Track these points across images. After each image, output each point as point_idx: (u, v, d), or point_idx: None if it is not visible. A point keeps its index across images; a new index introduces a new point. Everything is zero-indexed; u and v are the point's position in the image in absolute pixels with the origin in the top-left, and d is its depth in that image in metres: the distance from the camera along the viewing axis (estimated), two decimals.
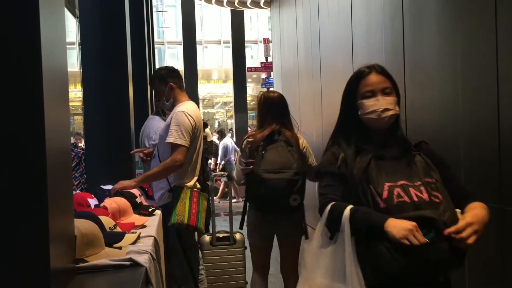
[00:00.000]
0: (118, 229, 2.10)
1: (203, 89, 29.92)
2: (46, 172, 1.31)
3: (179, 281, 3.34)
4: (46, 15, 1.36)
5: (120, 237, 1.97)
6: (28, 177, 1.31)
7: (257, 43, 27.90)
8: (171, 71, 3.41)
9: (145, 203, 3.05)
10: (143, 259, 1.76)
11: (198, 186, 3.34)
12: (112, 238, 1.93)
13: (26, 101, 1.31)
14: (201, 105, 31.80)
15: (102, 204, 2.44)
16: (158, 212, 3.01)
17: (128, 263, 1.69)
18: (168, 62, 30.03)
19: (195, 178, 3.32)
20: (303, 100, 8.13)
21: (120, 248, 1.92)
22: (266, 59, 12.69)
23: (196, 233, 3.70)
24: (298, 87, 8.40)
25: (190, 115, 3.17)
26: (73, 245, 1.61)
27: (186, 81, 12.38)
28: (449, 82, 3.66)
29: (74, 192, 3.16)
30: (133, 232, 2.14)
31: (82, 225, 1.68)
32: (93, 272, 1.64)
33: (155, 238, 2.24)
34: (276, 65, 10.58)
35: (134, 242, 2.06)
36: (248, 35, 19.44)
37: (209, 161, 9.39)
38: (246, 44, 13.79)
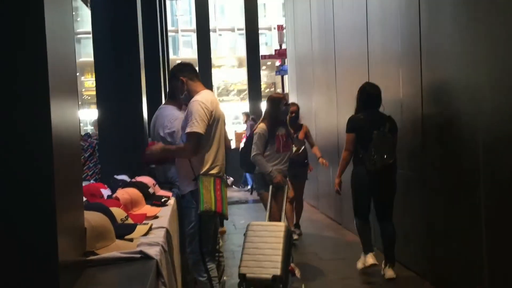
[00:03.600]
0: (130, 221, 2.09)
1: (218, 77, 29.89)
2: (53, 164, 1.29)
3: (191, 268, 3.34)
4: (51, 4, 1.33)
5: (132, 229, 1.95)
6: (34, 170, 1.28)
7: (271, 30, 27.69)
8: (181, 66, 3.55)
9: (158, 193, 3.04)
10: (154, 251, 1.74)
11: (223, 173, 3.40)
12: (124, 230, 1.92)
13: (30, 90, 1.28)
14: (215, 93, 31.85)
15: (114, 195, 2.43)
16: (171, 202, 2.99)
17: (138, 255, 1.67)
18: (182, 51, 30.03)
19: (219, 166, 3.33)
20: (317, 87, 8.04)
21: (131, 240, 1.90)
22: (280, 46, 12.57)
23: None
24: (313, 73, 8.30)
25: (203, 103, 3.22)
26: (83, 238, 1.59)
27: (200, 70, 12.34)
28: (467, 69, 3.56)
29: (88, 182, 3.17)
30: (144, 224, 2.12)
31: (92, 217, 1.67)
32: (104, 265, 1.62)
33: (167, 229, 2.22)
34: (290, 52, 10.47)
35: (146, 234, 2.04)
36: (262, 22, 19.29)
37: None
38: (260, 32, 13.67)
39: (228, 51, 31.07)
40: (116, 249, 1.68)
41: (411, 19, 4.41)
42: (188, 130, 3.16)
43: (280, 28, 12.89)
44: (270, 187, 4.60)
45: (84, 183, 3.05)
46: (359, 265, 4.63)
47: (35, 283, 1.29)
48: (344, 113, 6.45)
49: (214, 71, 26.36)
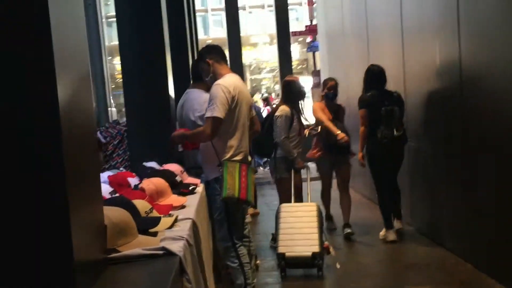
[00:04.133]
0: (155, 213, 2.03)
1: (249, 56, 29.66)
2: (63, 157, 1.22)
3: (222, 254, 3.31)
4: None
5: (156, 222, 1.90)
6: (44, 164, 1.22)
7: (301, 5, 27.15)
8: (208, 48, 3.50)
9: (186, 180, 2.99)
10: (177, 247, 1.68)
11: (250, 159, 3.36)
12: (148, 224, 1.87)
13: (36, 76, 1.20)
14: (247, 71, 31.65)
15: (140, 185, 2.39)
16: (199, 190, 2.94)
17: (161, 252, 1.61)
18: (212, 30, 29.90)
19: (244, 152, 3.28)
20: (349, 63, 7.80)
21: (155, 234, 1.85)
22: (311, 21, 12.28)
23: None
24: (344, 49, 8.06)
25: (225, 86, 3.17)
26: (103, 234, 1.54)
27: (229, 49, 12.21)
28: (510, 39, 3.33)
29: (117, 171, 3.15)
30: (170, 215, 2.07)
31: (112, 213, 1.61)
32: (126, 262, 1.57)
33: (193, 220, 2.16)
34: (321, 27, 10.21)
35: (171, 226, 1.99)
36: None
37: None
38: (290, 7, 13.39)
39: (258, 29, 30.73)
40: (138, 245, 1.63)
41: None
42: (207, 114, 3.14)
43: (310, 3, 12.57)
44: (293, 171, 4.67)
45: (113, 172, 3.04)
46: (381, 235, 4.97)
47: (51, 283, 1.25)
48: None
49: (245, 50, 26.15)
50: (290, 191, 4.60)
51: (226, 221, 3.25)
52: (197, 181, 3.06)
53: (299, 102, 4.83)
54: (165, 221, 1.98)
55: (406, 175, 5.36)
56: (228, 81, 3.23)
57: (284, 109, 4.71)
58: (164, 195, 2.39)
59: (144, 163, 3.36)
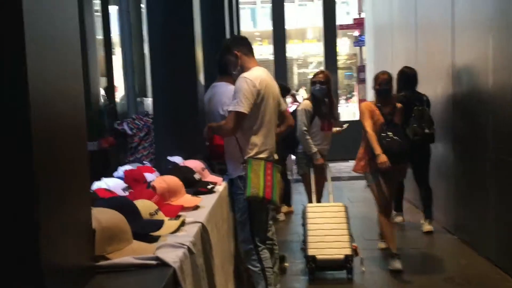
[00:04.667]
0: (160, 215, 1.89)
1: (296, 50, 29.27)
2: (32, 150, 1.08)
3: (244, 257, 3.15)
4: None
5: (158, 226, 1.75)
6: (9, 155, 1.09)
7: None
8: (236, 39, 3.39)
9: (206, 178, 2.84)
10: (174, 256, 1.52)
11: (276, 157, 3.19)
12: (148, 227, 1.73)
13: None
14: (295, 65, 31.23)
15: (151, 183, 2.25)
16: (219, 188, 2.79)
17: (154, 262, 1.46)
18: (260, 23, 29.73)
19: (269, 149, 3.12)
20: (396, 58, 7.44)
21: (156, 238, 1.71)
22: (359, 15, 11.87)
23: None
24: (392, 44, 7.69)
25: (250, 79, 3.02)
26: (91, 239, 1.41)
27: (274, 43, 11.99)
28: None
29: (136, 165, 3.05)
30: (177, 218, 1.92)
31: (103, 216, 1.48)
32: (115, 271, 1.43)
33: (202, 225, 2.01)
34: (368, 21, 9.83)
35: (176, 230, 1.84)
36: None
37: None
38: (341, 0, 13.00)
39: (308, 22, 30.28)
40: (130, 253, 1.49)
41: None
42: (230, 108, 3.02)
43: None
44: (313, 168, 4.60)
45: (132, 166, 2.94)
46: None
47: None
48: (425, 86, 5.90)
49: (293, 43, 25.77)
50: (310, 188, 4.58)
51: (249, 223, 3.08)
52: (218, 179, 2.91)
53: (324, 98, 4.73)
54: (170, 225, 1.84)
55: (451, 179, 5.02)
56: (254, 74, 3.06)
57: (305, 104, 4.76)
58: (176, 195, 2.24)
59: (169, 158, 3.24)
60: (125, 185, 2.39)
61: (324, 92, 4.70)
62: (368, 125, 4.14)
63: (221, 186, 2.88)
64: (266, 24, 28.08)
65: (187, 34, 3.51)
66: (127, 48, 4.61)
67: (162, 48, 3.46)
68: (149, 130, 3.62)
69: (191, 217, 2.09)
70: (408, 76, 5.00)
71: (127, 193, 2.32)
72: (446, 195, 5.19)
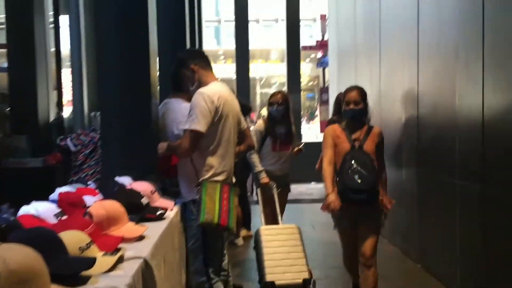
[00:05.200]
0: (93, 250, 1.59)
1: (260, 69, 29.33)
2: None
3: None
4: None
5: (88, 264, 1.45)
6: None
7: (315, 21, 26.87)
8: (192, 52, 3.23)
9: (155, 203, 2.54)
10: None
11: (233, 180, 2.97)
12: (76, 266, 1.42)
13: None
14: (257, 85, 31.28)
15: (88, 210, 1.94)
16: (170, 215, 2.50)
17: None
18: (224, 41, 29.68)
19: (227, 171, 2.87)
20: (359, 82, 7.38)
21: (85, 280, 1.41)
22: (323, 36, 11.90)
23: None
24: (355, 67, 7.64)
25: (207, 95, 2.78)
26: None
27: (237, 62, 11.83)
28: None
29: (80, 186, 2.72)
30: (114, 253, 1.62)
31: (12, 256, 1.17)
32: None
33: (144, 261, 1.72)
34: (332, 43, 9.82)
35: (111, 269, 1.54)
36: (305, 13, 18.57)
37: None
38: (304, 23, 13.03)
39: (272, 43, 30.48)
40: None
41: (474, 7, 3.71)
42: (186, 126, 2.77)
43: (323, 17, 12.20)
44: (259, 189, 4.50)
45: (73, 187, 2.61)
46: None
47: None
48: (387, 113, 5.80)
49: (256, 63, 25.77)
50: (261, 207, 4.43)
51: (202, 251, 2.80)
52: (169, 204, 2.61)
53: (281, 119, 4.63)
54: (104, 262, 1.54)
55: (415, 204, 4.89)
56: (212, 89, 2.82)
57: (258, 124, 4.78)
58: (117, 223, 1.94)
59: (116, 178, 2.93)
60: (58, 210, 2.07)
61: (282, 113, 4.60)
62: (326, 156, 3.44)
63: (172, 211, 2.59)
64: (230, 43, 28.08)
65: (141, 45, 3.22)
66: (76, 60, 4.27)
67: (112, 59, 3.16)
68: (96, 147, 3.30)
69: (132, 250, 1.80)
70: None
71: (58, 221, 2.00)
72: (409, 221, 5.06)
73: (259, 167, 4.48)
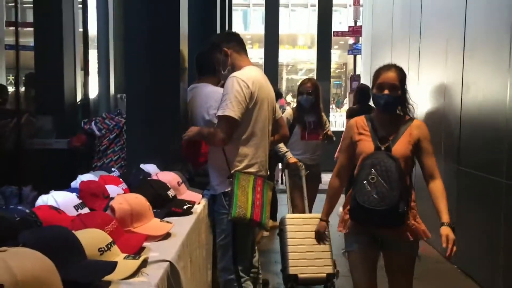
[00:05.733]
0: (114, 251, 1.42)
1: (287, 55, 28.94)
2: None
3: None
4: None
5: (108, 269, 1.28)
6: None
7: (346, 7, 26.26)
8: (226, 35, 2.95)
9: (182, 195, 2.36)
10: None
11: (266, 173, 2.77)
12: (93, 272, 1.25)
13: None
14: (284, 71, 30.89)
15: (110, 203, 1.78)
16: (197, 209, 2.32)
17: None
18: (252, 26, 29.34)
19: (260, 163, 2.67)
20: None
21: (107, 285, 1.24)
22: (355, 22, 11.52)
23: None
24: (391, 56, 7.31)
25: (242, 80, 2.56)
26: None
27: (266, 47, 11.58)
28: None
29: (104, 174, 2.56)
30: (135, 256, 1.45)
31: (22, 264, 1.00)
32: None
33: (170, 264, 1.54)
34: (366, 29, 9.47)
35: (135, 274, 1.37)
36: None
37: None
38: (334, 8, 12.65)
39: (299, 28, 30.01)
40: None
41: None
42: (219, 112, 2.55)
43: (356, 2, 11.79)
44: (287, 171, 4.35)
45: (97, 174, 2.45)
46: None
47: None
48: (426, 105, 5.50)
49: (284, 48, 25.37)
50: (292, 196, 4.27)
51: (232, 248, 2.61)
52: (196, 197, 2.43)
53: (310, 108, 4.46)
54: (125, 266, 1.37)
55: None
56: (247, 74, 2.61)
57: (287, 112, 4.60)
58: (141, 219, 1.77)
59: (141, 165, 2.77)
60: (78, 201, 1.91)
61: (311, 102, 4.43)
62: (338, 162, 2.64)
63: (200, 204, 2.41)
64: (258, 28, 27.68)
65: (171, 28, 3.03)
66: (103, 41, 4.12)
67: (140, 41, 2.98)
68: (121, 132, 3.14)
69: (157, 251, 1.62)
70: (364, 91, 5.37)
71: (79, 213, 1.85)
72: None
73: (284, 148, 4.31)
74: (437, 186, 2.43)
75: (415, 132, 2.46)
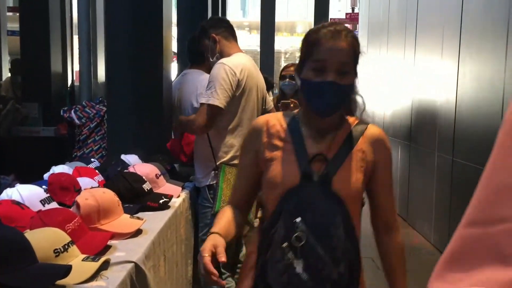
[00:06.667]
0: (72, 252, 1.31)
1: (285, 42, 28.70)
2: None
3: (203, 285, 2.58)
4: None
5: (60, 273, 1.17)
6: None
7: None
8: (214, 21, 2.81)
9: (160, 189, 2.26)
10: None
11: None
12: (44, 278, 1.15)
13: None
14: (282, 59, 30.65)
15: (75, 199, 1.67)
16: (176, 203, 2.21)
17: None
18: (250, 13, 29.09)
19: None
20: (390, 60, 6.93)
21: None
22: (353, 9, 11.35)
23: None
24: (387, 43, 7.17)
25: (229, 66, 2.45)
26: None
27: (262, 34, 11.42)
28: None
29: (82, 164, 2.46)
30: (94, 258, 1.34)
31: None
32: None
33: (135, 265, 1.43)
34: (363, 17, 9.31)
35: (93, 277, 1.27)
36: None
37: None
38: None
39: (297, 15, 29.76)
40: None
41: None
42: (203, 100, 2.45)
43: None
44: None
45: (72, 166, 2.35)
46: None
47: None
48: (422, 97, 5.39)
49: (281, 36, 25.16)
50: None
51: None
52: (175, 190, 2.32)
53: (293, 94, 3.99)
54: (82, 269, 1.26)
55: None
56: (234, 60, 2.50)
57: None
58: (109, 215, 1.66)
59: (123, 156, 2.66)
60: (46, 195, 1.80)
61: (295, 88, 3.77)
62: (233, 193, 1.58)
63: (179, 198, 2.30)
64: (255, 15, 27.46)
65: (154, 12, 2.90)
66: (84, 26, 3.98)
67: (122, 27, 2.85)
68: (102, 120, 3.03)
69: (123, 250, 1.52)
70: None
71: (46, 207, 1.74)
72: (443, 211, 4.71)
73: None
74: (394, 249, 1.46)
75: (371, 149, 1.40)
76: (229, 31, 2.69)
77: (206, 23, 2.84)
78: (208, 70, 3.07)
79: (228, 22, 2.78)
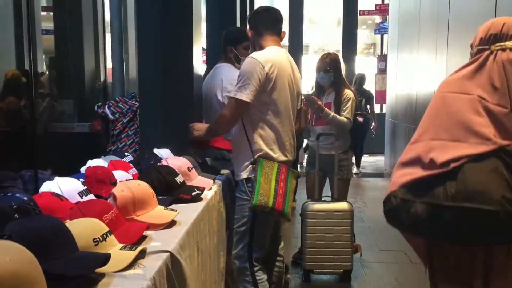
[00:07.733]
0: (110, 241, 1.36)
1: (313, 36, 28.50)
2: None
3: (236, 276, 2.62)
4: None
5: (99, 261, 1.22)
6: None
7: None
8: (255, 14, 2.73)
9: (192, 181, 2.30)
10: None
11: (290, 159, 2.63)
12: (83, 265, 1.20)
13: None
14: (311, 52, 30.44)
15: (112, 191, 1.72)
16: (208, 195, 2.25)
17: None
18: (277, 5, 28.98)
19: (285, 146, 2.58)
20: (422, 51, 6.80)
21: (95, 281, 1.18)
22: (382, 0, 11.17)
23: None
24: (418, 35, 7.04)
25: (258, 61, 2.44)
26: None
27: (290, 27, 11.35)
28: None
29: (117, 158, 2.52)
30: (132, 247, 1.38)
31: None
32: None
33: (170, 255, 1.48)
34: (393, 7, 9.15)
35: (130, 265, 1.31)
36: None
37: None
38: None
39: (326, 7, 29.47)
40: None
41: None
42: (231, 94, 2.48)
43: None
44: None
45: (107, 160, 2.41)
46: None
47: None
48: None
49: (310, 29, 24.90)
50: (317, 186, 3.88)
51: (249, 236, 2.54)
52: (207, 183, 2.36)
53: (329, 87, 3.89)
54: (120, 258, 1.31)
55: None
56: (265, 55, 2.49)
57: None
58: (144, 207, 1.71)
59: (155, 150, 2.72)
60: (83, 187, 1.86)
61: (330, 80, 3.81)
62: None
63: (210, 191, 2.34)
64: (283, 8, 27.32)
65: (184, 11, 2.95)
66: (115, 22, 4.06)
67: (152, 24, 2.91)
68: (135, 115, 3.09)
69: (159, 240, 1.56)
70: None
71: (84, 199, 1.80)
72: None
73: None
74: None
75: None
76: (266, 24, 2.63)
77: (252, 14, 2.80)
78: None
79: (270, 12, 2.69)
